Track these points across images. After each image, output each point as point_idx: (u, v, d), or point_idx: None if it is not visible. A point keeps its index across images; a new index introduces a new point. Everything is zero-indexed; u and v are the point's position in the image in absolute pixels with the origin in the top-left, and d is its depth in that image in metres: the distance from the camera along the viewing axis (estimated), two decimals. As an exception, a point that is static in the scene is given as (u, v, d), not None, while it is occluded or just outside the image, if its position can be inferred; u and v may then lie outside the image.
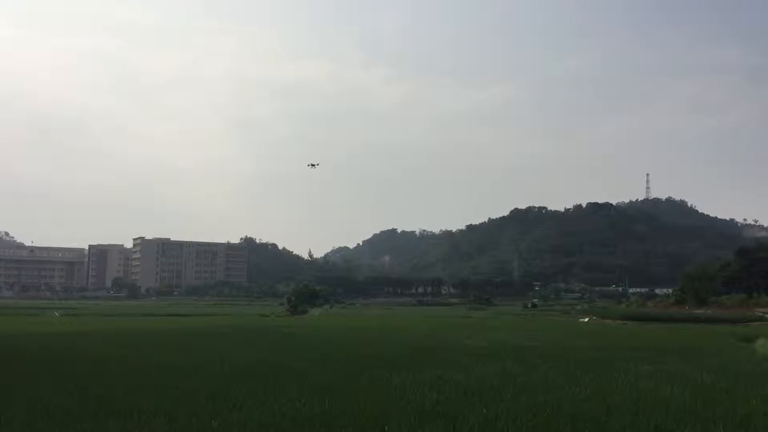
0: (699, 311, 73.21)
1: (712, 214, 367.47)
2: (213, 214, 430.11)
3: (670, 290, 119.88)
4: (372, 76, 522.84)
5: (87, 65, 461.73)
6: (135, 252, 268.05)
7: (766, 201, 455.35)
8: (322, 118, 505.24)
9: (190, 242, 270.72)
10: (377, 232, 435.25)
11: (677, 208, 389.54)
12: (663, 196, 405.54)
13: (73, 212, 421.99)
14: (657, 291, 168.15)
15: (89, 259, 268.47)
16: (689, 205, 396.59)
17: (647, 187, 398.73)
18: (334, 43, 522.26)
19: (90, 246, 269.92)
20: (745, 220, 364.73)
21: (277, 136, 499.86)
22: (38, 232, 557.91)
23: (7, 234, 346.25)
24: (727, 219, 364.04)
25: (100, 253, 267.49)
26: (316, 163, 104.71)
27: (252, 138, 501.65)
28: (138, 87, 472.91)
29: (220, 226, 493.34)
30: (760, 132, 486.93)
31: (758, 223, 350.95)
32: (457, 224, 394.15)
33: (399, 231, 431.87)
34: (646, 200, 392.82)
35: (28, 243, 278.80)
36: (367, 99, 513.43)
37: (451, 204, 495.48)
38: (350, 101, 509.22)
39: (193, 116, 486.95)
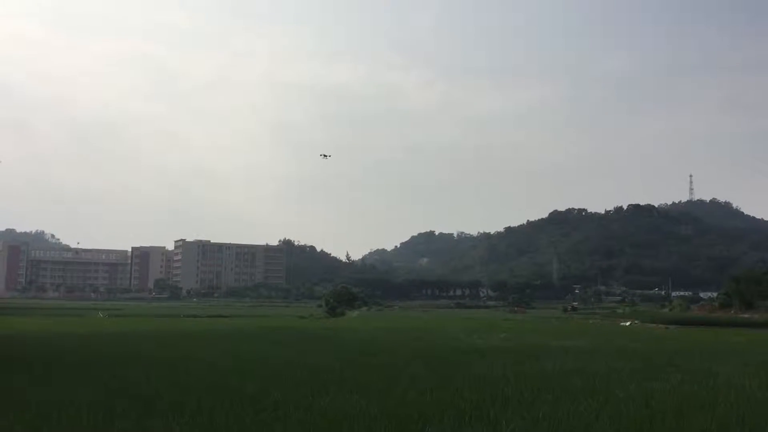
0: (746, 315, 71.42)
1: (758, 216, 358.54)
2: (252, 216, 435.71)
3: (715, 294, 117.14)
4: (407, 78, 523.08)
5: (126, 70, 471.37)
6: (176, 254, 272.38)
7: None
8: (358, 121, 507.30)
9: (230, 244, 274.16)
10: (415, 234, 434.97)
11: (722, 209, 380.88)
12: (707, 198, 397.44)
13: (116, 215, 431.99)
14: (701, 294, 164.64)
15: (132, 261, 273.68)
16: (734, 206, 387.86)
17: (691, 189, 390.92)
18: (369, 46, 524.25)
19: (133, 248, 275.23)
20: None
21: (314, 138, 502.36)
22: (83, 234, 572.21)
23: (53, 236, 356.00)
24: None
25: (143, 255, 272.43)
26: (328, 155, 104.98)
27: (289, 140, 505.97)
28: (176, 91, 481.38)
29: (259, 229, 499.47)
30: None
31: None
32: (495, 226, 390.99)
33: (437, 233, 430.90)
34: (689, 202, 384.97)
35: (73, 245, 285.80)
36: (403, 101, 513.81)
37: (489, 206, 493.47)
38: (385, 103, 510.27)
39: (231, 119, 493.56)
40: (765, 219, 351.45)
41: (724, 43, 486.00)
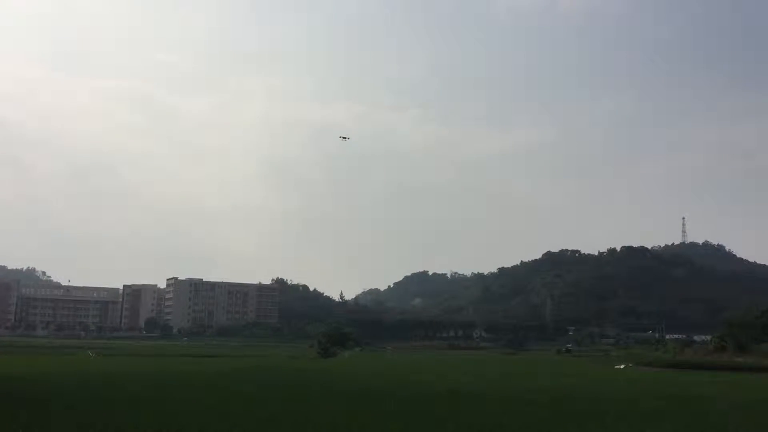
0: (740, 359, 71.07)
1: (750, 259, 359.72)
2: (245, 255, 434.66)
3: (709, 337, 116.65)
4: (402, 119, 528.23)
5: (124, 108, 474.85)
6: (168, 292, 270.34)
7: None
8: (354, 160, 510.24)
9: (222, 283, 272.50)
10: (408, 274, 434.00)
11: (715, 252, 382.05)
12: (700, 240, 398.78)
13: (108, 253, 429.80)
14: (695, 338, 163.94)
15: (123, 299, 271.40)
16: (727, 249, 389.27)
17: (683, 231, 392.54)
18: (365, 86, 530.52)
19: (125, 286, 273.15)
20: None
21: (309, 177, 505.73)
22: (75, 272, 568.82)
23: (44, 273, 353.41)
24: (767, 264, 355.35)
25: (134, 293, 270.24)
26: (347, 137, 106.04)
27: (284, 179, 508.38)
28: (174, 129, 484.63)
29: (252, 267, 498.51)
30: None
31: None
32: (489, 267, 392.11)
33: (430, 273, 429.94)
34: (682, 244, 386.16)
35: (64, 283, 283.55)
36: (398, 141, 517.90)
37: (483, 247, 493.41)
38: (381, 143, 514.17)
39: (227, 158, 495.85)
40: (758, 262, 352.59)
41: (717, 88, 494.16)
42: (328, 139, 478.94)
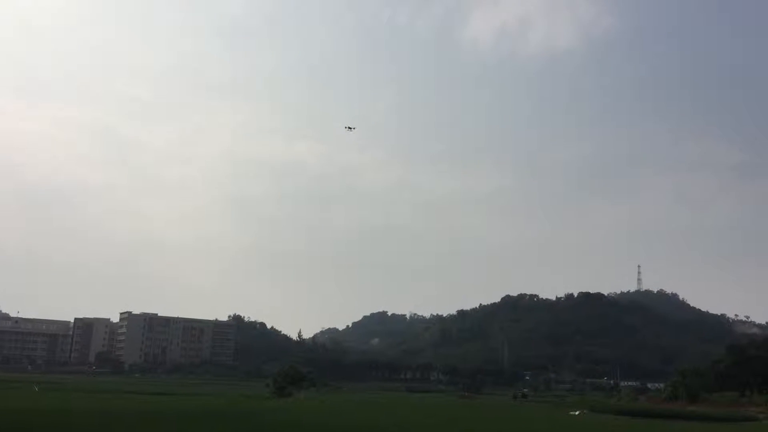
0: (691, 408, 72.11)
1: (703, 308, 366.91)
2: (202, 290, 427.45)
3: (662, 385, 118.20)
4: (363, 159, 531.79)
5: (83, 138, 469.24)
6: (121, 327, 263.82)
7: (757, 297, 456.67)
8: (315, 198, 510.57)
9: (177, 318, 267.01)
10: (367, 314, 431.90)
11: (669, 300, 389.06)
12: (655, 288, 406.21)
13: (60, 284, 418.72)
14: (649, 385, 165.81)
15: (74, 332, 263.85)
16: (680, 298, 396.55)
17: (639, 279, 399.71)
18: (328, 125, 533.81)
19: (76, 319, 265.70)
20: (736, 315, 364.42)
21: (270, 214, 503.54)
22: (25, 304, 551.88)
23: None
24: (719, 314, 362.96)
25: (86, 326, 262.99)
26: (353, 127, 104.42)
27: (245, 215, 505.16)
28: (133, 161, 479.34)
29: (209, 303, 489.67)
30: (749, 228, 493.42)
31: (750, 320, 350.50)
32: (448, 309, 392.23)
33: (389, 314, 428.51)
34: (637, 291, 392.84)
35: (13, 314, 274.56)
36: (360, 181, 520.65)
37: (442, 288, 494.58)
38: (343, 182, 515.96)
39: (187, 192, 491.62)
40: (710, 312, 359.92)
41: (672, 138, 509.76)
42: (290, 177, 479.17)
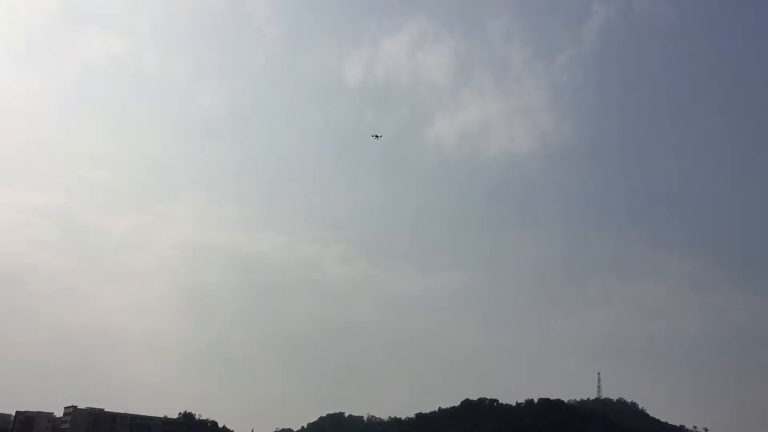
0: None
1: (662, 419, 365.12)
2: (152, 385, 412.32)
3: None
4: (326, 253, 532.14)
5: (39, 221, 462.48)
6: (65, 422, 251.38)
7: (715, 409, 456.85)
8: (275, 292, 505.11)
9: (125, 414, 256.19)
10: (323, 414, 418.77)
11: (628, 409, 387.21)
12: (614, 397, 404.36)
13: (3, 373, 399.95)
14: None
15: (14, 426, 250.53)
16: (640, 407, 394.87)
17: (599, 386, 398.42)
18: (291, 218, 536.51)
19: (17, 412, 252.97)
20: (695, 427, 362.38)
21: (227, 306, 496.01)
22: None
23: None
24: (677, 425, 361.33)
25: (27, 420, 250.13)
26: (379, 135, 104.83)
27: (200, 307, 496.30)
28: (88, 248, 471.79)
29: (159, 399, 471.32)
30: (706, 338, 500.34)
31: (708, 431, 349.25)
32: (406, 411, 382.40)
33: (346, 415, 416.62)
34: (597, 399, 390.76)
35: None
36: (321, 275, 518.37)
37: (401, 389, 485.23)
38: (303, 276, 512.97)
39: (142, 281, 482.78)
40: (669, 422, 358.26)
41: (628, 249, 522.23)
42: (250, 268, 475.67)
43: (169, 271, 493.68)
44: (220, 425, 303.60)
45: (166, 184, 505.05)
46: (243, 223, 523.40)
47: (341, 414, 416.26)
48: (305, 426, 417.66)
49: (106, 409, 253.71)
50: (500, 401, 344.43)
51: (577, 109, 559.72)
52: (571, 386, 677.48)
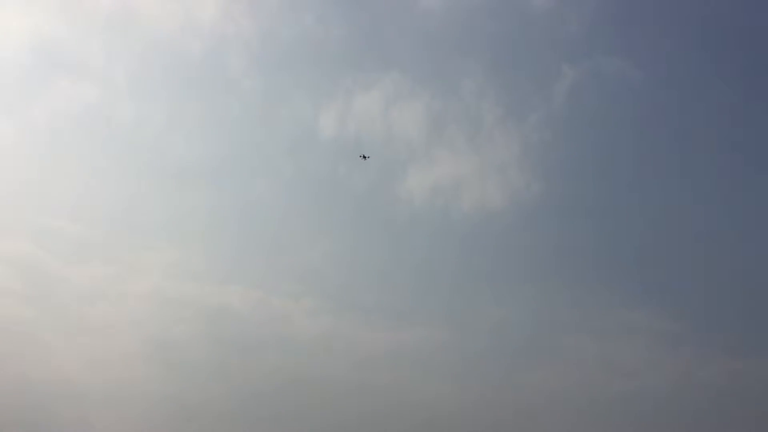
0: None
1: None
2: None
3: None
4: (297, 307, 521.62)
5: (5, 270, 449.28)
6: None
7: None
8: (246, 347, 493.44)
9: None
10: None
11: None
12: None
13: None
14: None
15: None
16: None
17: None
18: (262, 270, 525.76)
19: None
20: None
21: (196, 360, 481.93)
22: None
23: None
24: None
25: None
26: (367, 156, 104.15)
27: (168, 360, 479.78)
28: (52, 298, 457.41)
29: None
30: (679, 397, 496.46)
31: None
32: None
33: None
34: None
35: None
36: (292, 330, 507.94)
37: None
38: (275, 331, 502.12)
39: (108, 333, 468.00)
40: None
41: (598, 306, 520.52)
42: (220, 322, 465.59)
43: (135, 323, 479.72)
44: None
45: (137, 234, 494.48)
46: (213, 275, 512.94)
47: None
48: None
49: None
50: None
51: (548, 166, 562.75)
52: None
